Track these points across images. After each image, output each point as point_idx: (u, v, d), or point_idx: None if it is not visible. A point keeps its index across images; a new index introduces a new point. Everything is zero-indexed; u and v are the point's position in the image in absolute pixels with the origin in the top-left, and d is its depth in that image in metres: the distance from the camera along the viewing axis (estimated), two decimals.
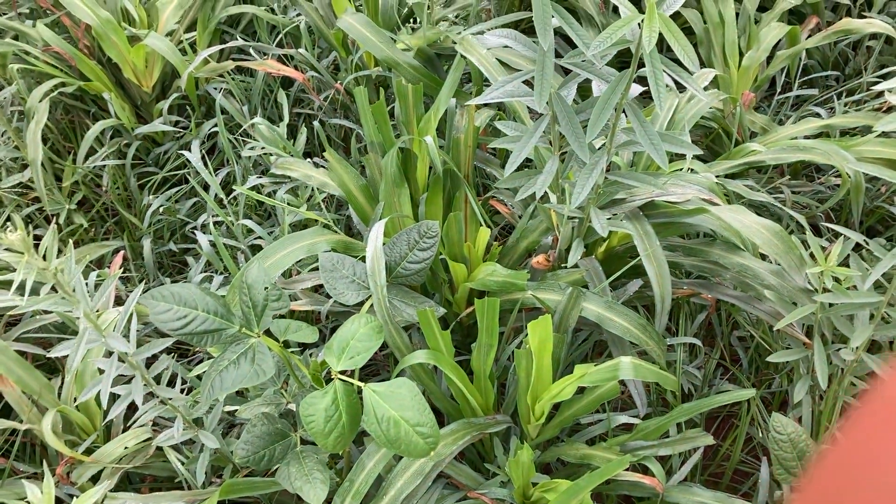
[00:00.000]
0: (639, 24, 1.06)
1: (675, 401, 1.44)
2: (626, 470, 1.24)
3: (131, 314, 1.12)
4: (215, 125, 1.93)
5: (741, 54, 1.92)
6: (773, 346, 1.56)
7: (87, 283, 1.06)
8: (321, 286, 1.66)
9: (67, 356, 1.09)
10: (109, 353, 1.12)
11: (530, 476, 1.18)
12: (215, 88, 1.99)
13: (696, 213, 1.31)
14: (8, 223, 1.80)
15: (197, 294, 1.04)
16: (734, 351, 1.71)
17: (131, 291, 1.77)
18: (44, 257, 0.96)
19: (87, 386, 1.13)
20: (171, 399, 1.21)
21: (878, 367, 1.25)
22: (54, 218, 1.84)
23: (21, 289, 0.99)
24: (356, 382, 1.02)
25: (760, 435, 1.48)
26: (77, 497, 1.13)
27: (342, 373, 1.04)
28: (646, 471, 1.29)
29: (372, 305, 1.24)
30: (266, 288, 1.06)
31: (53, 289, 1.02)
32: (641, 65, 1.08)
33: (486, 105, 1.63)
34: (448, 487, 1.29)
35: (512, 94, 1.16)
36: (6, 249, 0.97)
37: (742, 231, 1.25)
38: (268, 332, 1.09)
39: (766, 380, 1.64)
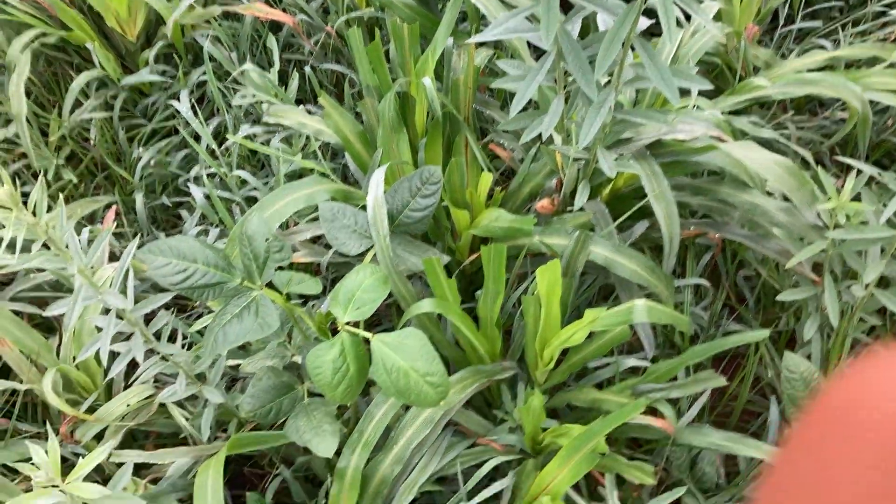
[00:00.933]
0: None
1: (682, 342, 1.43)
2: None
3: (127, 270, 1.09)
4: (204, 74, 1.87)
5: None
6: (781, 284, 1.54)
7: (79, 240, 1.03)
8: (320, 237, 1.63)
9: (64, 315, 1.06)
10: (107, 311, 1.09)
11: (540, 421, 1.17)
12: (202, 35, 1.92)
13: (706, 150, 1.28)
14: None
15: (196, 247, 1.01)
16: (740, 291, 1.69)
17: (125, 247, 1.74)
18: (33, 213, 0.92)
19: (85, 344, 1.11)
20: (172, 355, 1.18)
21: (890, 302, 1.23)
22: (42, 174, 1.79)
23: (11, 247, 0.95)
24: (364, 333, 1.00)
25: (769, 374, 1.47)
26: (83, 456, 1.11)
27: (348, 324, 1.01)
28: (654, 413, 1.28)
29: (375, 255, 1.21)
30: (267, 239, 1.02)
31: (45, 246, 0.98)
32: None
33: (483, 45, 1.58)
34: (457, 435, 1.28)
35: (515, 31, 1.11)
36: None
37: (752, 167, 1.22)
38: (270, 285, 1.06)
39: (773, 319, 1.62)
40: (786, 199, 1.35)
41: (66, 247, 0.99)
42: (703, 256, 1.60)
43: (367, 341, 0.99)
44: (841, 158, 1.25)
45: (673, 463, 1.32)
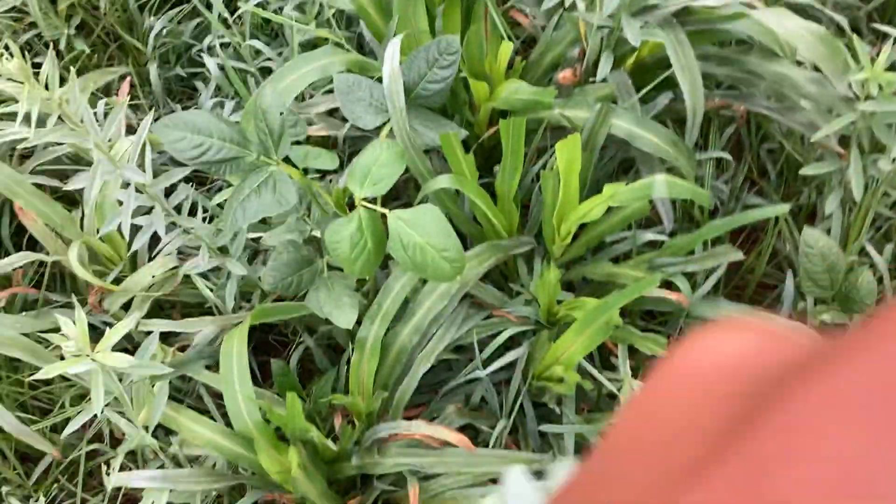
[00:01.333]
0: None
1: (702, 217, 1.42)
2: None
3: (144, 143, 1.09)
4: None
5: None
6: (805, 158, 1.51)
7: (95, 113, 1.02)
8: (336, 109, 1.60)
9: (84, 188, 1.07)
10: (126, 185, 1.10)
11: (556, 294, 1.19)
12: None
13: (735, 17, 1.22)
14: (5, 51, 1.72)
15: (211, 121, 1.00)
16: (762, 165, 1.66)
17: (141, 119, 1.73)
18: (46, 87, 0.91)
19: (107, 218, 1.12)
20: (193, 228, 1.20)
21: None
22: (53, 44, 1.76)
23: (27, 121, 0.94)
24: (380, 209, 1.00)
25: (787, 249, 1.47)
26: (111, 325, 1.15)
27: (365, 199, 1.01)
28: (669, 287, 1.29)
29: (391, 129, 1.19)
30: (282, 114, 1.01)
31: (60, 119, 0.98)
32: None
33: None
34: (473, 307, 1.31)
35: None
36: (7, 80, 0.92)
37: (783, 35, 1.17)
38: (286, 160, 1.05)
39: (795, 193, 1.60)
40: (817, 69, 1.30)
41: (82, 121, 0.98)
42: (727, 129, 1.57)
43: (384, 217, 1.00)
44: (878, 26, 1.20)
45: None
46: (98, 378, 0.94)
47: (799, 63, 1.32)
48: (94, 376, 0.95)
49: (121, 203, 1.10)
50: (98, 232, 1.43)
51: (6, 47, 0.93)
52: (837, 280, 1.20)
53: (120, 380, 1.02)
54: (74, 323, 0.95)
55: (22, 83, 0.88)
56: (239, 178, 1.02)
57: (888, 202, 1.35)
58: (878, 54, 1.16)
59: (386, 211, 0.99)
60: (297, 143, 1.07)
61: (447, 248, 0.98)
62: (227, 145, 1.00)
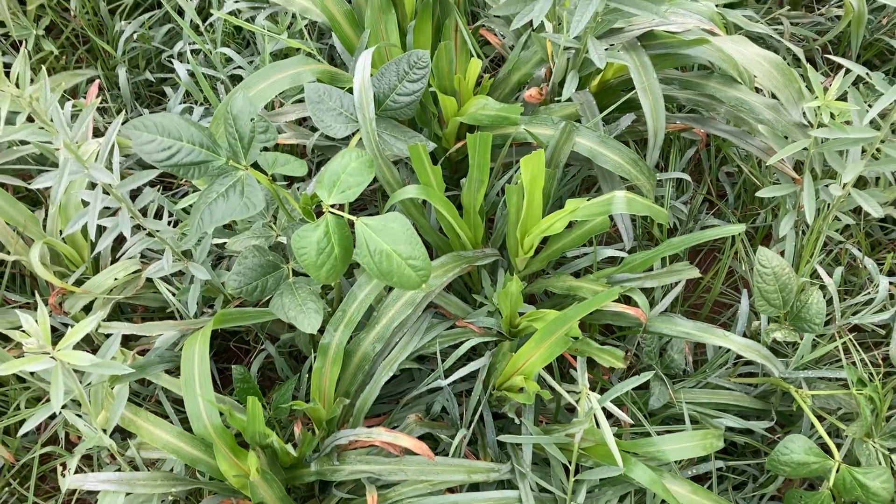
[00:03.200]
0: None
1: (661, 235, 1.46)
2: (612, 301, 1.27)
3: (113, 145, 1.09)
4: None
5: None
6: (761, 182, 1.56)
7: (63, 114, 1.02)
8: (306, 119, 1.62)
9: (50, 188, 1.07)
10: (93, 186, 1.10)
11: (518, 306, 1.21)
12: None
13: (697, 43, 1.26)
14: None
15: (181, 124, 1.00)
16: (721, 187, 1.71)
17: (109, 123, 1.72)
18: (17, 84, 0.91)
19: (72, 218, 1.12)
20: (158, 231, 1.20)
21: (865, 202, 1.26)
22: (22, 44, 1.75)
23: None
24: (348, 216, 1.02)
25: (742, 268, 1.51)
26: (71, 326, 1.14)
27: (333, 206, 1.02)
28: (628, 302, 1.32)
29: (361, 139, 1.21)
30: (252, 119, 1.02)
31: (30, 119, 0.98)
32: None
33: None
34: (437, 317, 1.32)
35: None
36: None
37: (742, 62, 1.21)
38: (255, 166, 1.06)
39: (751, 216, 1.66)
40: (773, 96, 1.35)
41: (51, 120, 0.98)
42: (687, 152, 1.62)
43: (351, 224, 1.01)
44: (832, 57, 1.25)
45: (643, 350, 1.37)
46: (58, 375, 0.93)
47: (757, 90, 1.37)
48: (54, 374, 0.95)
49: (86, 204, 1.10)
50: (62, 233, 1.42)
51: None
52: (789, 299, 1.24)
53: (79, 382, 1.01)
54: (37, 321, 0.95)
55: None
56: (207, 182, 1.03)
57: (839, 226, 1.40)
58: (831, 84, 1.21)
59: (353, 217, 1.00)
60: (266, 149, 1.08)
61: (413, 256, 1.00)
62: (197, 149, 1.00)
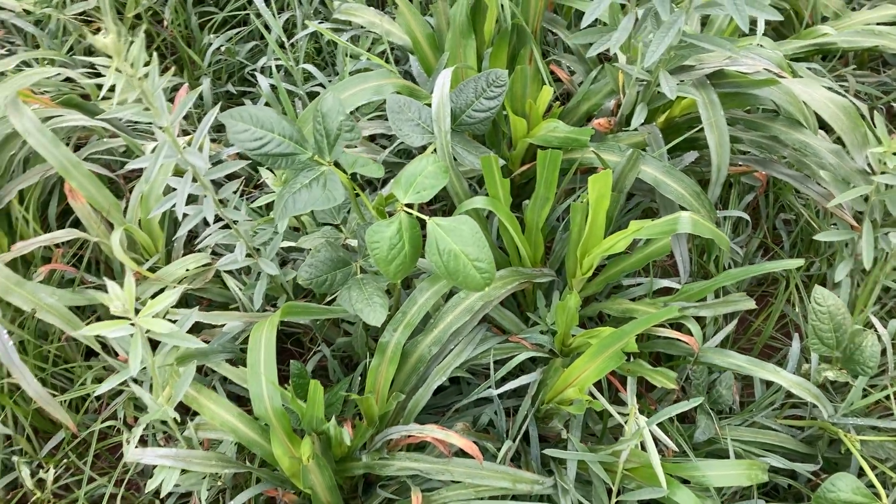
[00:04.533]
0: None
1: (716, 272, 1.48)
2: (664, 327, 1.29)
3: (205, 135, 1.16)
4: None
5: None
6: (820, 227, 1.58)
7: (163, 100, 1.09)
8: (378, 135, 1.69)
9: (132, 182, 1.14)
10: (180, 174, 1.16)
11: (573, 322, 1.24)
12: None
13: (766, 84, 1.30)
14: (81, 39, 1.82)
15: (273, 117, 1.07)
16: (777, 234, 1.73)
17: (193, 128, 1.81)
18: (131, 65, 0.99)
19: (153, 207, 1.18)
20: (236, 223, 1.26)
21: None
22: (139, 30, 1.85)
23: (108, 96, 1.01)
24: (421, 215, 1.06)
25: (795, 310, 1.52)
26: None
27: (408, 205, 1.07)
28: (680, 330, 1.34)
29: (435, 150, 1.26)
30: (340, 118, 1.08)
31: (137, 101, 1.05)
32: None
33: None
34: (490, 330, 1.36)
35: None
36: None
37: (810, 103, 1.25)
38: (336, 165, 1.12)
39: (808, 264, 1.67)
40: (838, 140, 1.38)
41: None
42: (746, 196, 1.64)
43: (423, 223, 1.06)
44: None
45: (692, 382, 1.38)
46: (139, 340, 0.98)
47: (825, 131, 1.40)
48: (134, 339, 1.00)
49: (173, 189, 1.17)
50: (140, 223, 1.49)
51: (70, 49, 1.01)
52: (843, 340, 1.25)
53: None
54: (122, 289, 1.01)
55: (110, 58, 0.95)
56: (293, 174, 1.09)
57: None
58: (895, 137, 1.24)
59: (426, 217, 1.05)
60: (348, 148, 1.14)
61: (480, 259, 1.04)
62: (286, 141, 1.07)
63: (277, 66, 1.81)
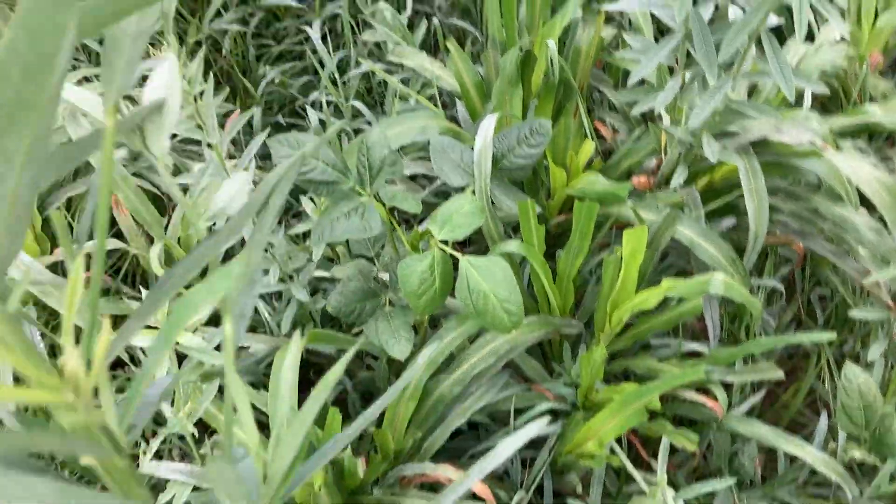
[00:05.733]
0: None
1: (746, 339, 1.46)
2: (689, 390, 1.28)
3: (251, 158, 1.19)
4: (339, 7, 1.97)
5: (876, 14, 1.86)
6: (856, 306, 1.55)
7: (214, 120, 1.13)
8: (418, 175, 1.72)
9: (174, 199, 1.17)
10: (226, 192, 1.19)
11: (598, 376, 1.23)
12: None
13: (810, 155, 1.31)
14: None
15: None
16: (811, 309, 1.71)
17: (240, 153, 1.86)
18: (188, 82, 1.02)
19: (195, 222, 1.21)
20: (272, 246, 1.28)
21: None
22: (200, 49, 1.92)
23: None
24: (454, 252, 1.07)
25: (825, 387, 1.49)
26: None
27: (442, 242, 1.09)
28: (706, 394, 1.32)
29: (473, 191, 1.28)
30: (384, 152, 1.11)
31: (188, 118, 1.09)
32: None
33: (608, 23, 1.63)
34: (513, 377, 1.35)
35: (649, 4, 1.17)
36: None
37: (853, 179, 1.25)
38: (376, 197, 1.14)
39: (841, 342, 1.64)
40: (879, 220, 1.37)
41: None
42: (781, 269, 1.63)
43: (455, 260, 1.07)
44: None
45: (714, 450, 1.36)
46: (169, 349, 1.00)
47: (866, 209, 1.39)
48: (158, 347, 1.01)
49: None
50: (179, 241, 1.53)
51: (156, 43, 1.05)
52: (873, 420, 1.22)
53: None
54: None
55: None
56: (333, 202, 1.11)
57: None
58: None
59: (459, 255, 1.06)
60: (390, 183, 1.16)
61: (509, 301, 1.04)
62: (330, 170, 1.09)
63: (328, 102, 1.86)
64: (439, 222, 1.09)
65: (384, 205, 1.15)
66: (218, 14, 2.02)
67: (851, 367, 1.22)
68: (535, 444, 1.38)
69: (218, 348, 1.45)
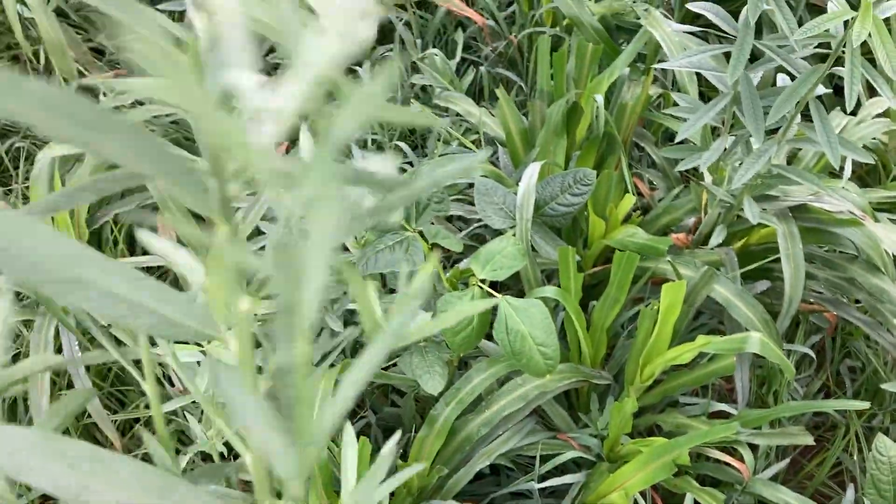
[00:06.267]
0: (845, 23, 1.08)
1: (774, 404, 1.45)
2: (716, 449, 1.27)
3: None
4: (390, 51, 2.03)
5: None
6: (888, 379, 1.54)
7: None
8: (455, 217, 1.74)
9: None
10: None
11: (626, 428, 1.23)
12: (398, 17, 2.09)
13: (848, 224, 1.32)
14: None
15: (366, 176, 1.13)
16: (841, 380, 1.70)
17: None
18: None
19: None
20: None
21: None
22: None
23: None
24: (493, 293, 1.09)
25: (852, 459, 1.48)
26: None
27: (483, 281, 1.10)
28: (732, 455, 1.31)
29: (514, 234, 1.30)
30: (432, 190, 1.13)
31: None
32: (835, 65, 1.10)
33: (654, 82, 1.66)
34: (539, 424, 1.35)
35: (699, 66, 1.20)
36: None
37: (891, 250, 1.25)
38: (419, 233, 1.17)
39: (870, 415, 1.62)
40: None
41: None
42: (813, 336, 1.63)
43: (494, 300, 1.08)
44: None
45: None
46: (207, 365, 1.02)
47: None
48: (201, 366, 1.03)
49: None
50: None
51: None
52: None
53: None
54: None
55: None
56: (376, 235, 1.14)
57: None
58: None
59: (499, 295, 1.08)
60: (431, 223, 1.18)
61: (546, 344, 1.05)
62: None
63: (372, 140, 1.90)
64: (482, 262, 1.11)
65: (426, 241, 1.17)
66: None
67: (884, 440, 1.21)
68: (558, 493, 1.38)
69: None
